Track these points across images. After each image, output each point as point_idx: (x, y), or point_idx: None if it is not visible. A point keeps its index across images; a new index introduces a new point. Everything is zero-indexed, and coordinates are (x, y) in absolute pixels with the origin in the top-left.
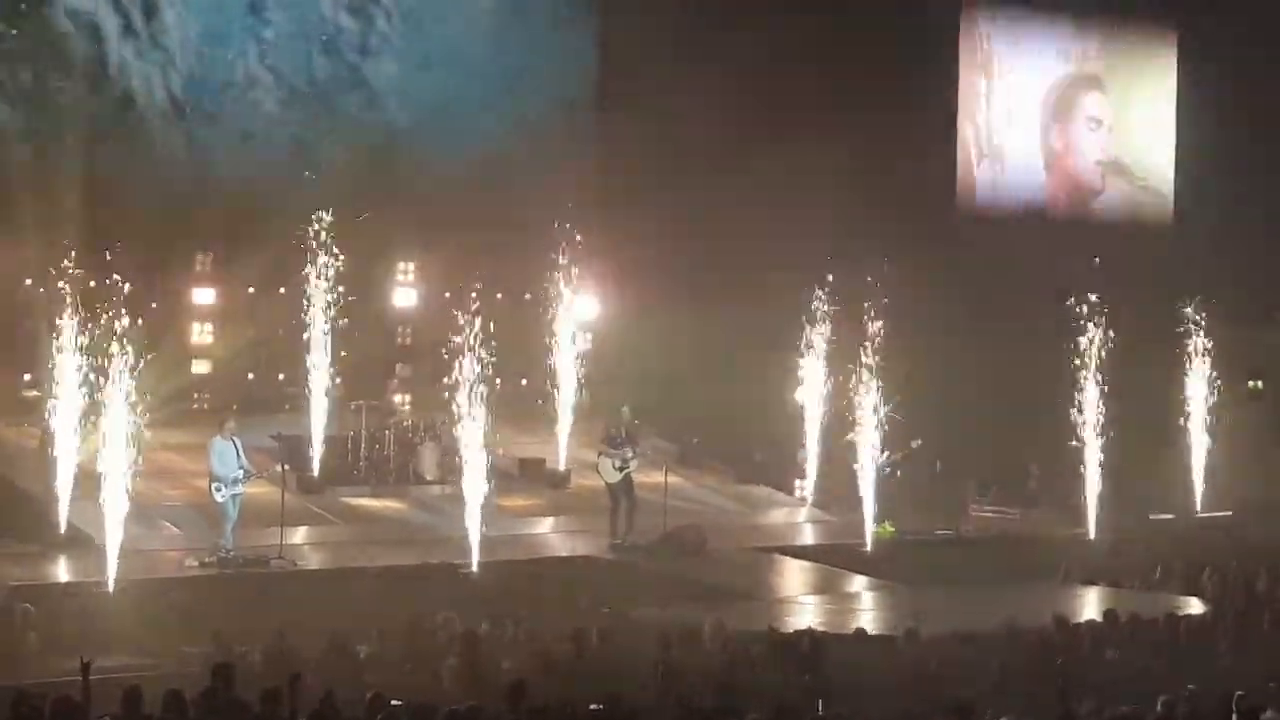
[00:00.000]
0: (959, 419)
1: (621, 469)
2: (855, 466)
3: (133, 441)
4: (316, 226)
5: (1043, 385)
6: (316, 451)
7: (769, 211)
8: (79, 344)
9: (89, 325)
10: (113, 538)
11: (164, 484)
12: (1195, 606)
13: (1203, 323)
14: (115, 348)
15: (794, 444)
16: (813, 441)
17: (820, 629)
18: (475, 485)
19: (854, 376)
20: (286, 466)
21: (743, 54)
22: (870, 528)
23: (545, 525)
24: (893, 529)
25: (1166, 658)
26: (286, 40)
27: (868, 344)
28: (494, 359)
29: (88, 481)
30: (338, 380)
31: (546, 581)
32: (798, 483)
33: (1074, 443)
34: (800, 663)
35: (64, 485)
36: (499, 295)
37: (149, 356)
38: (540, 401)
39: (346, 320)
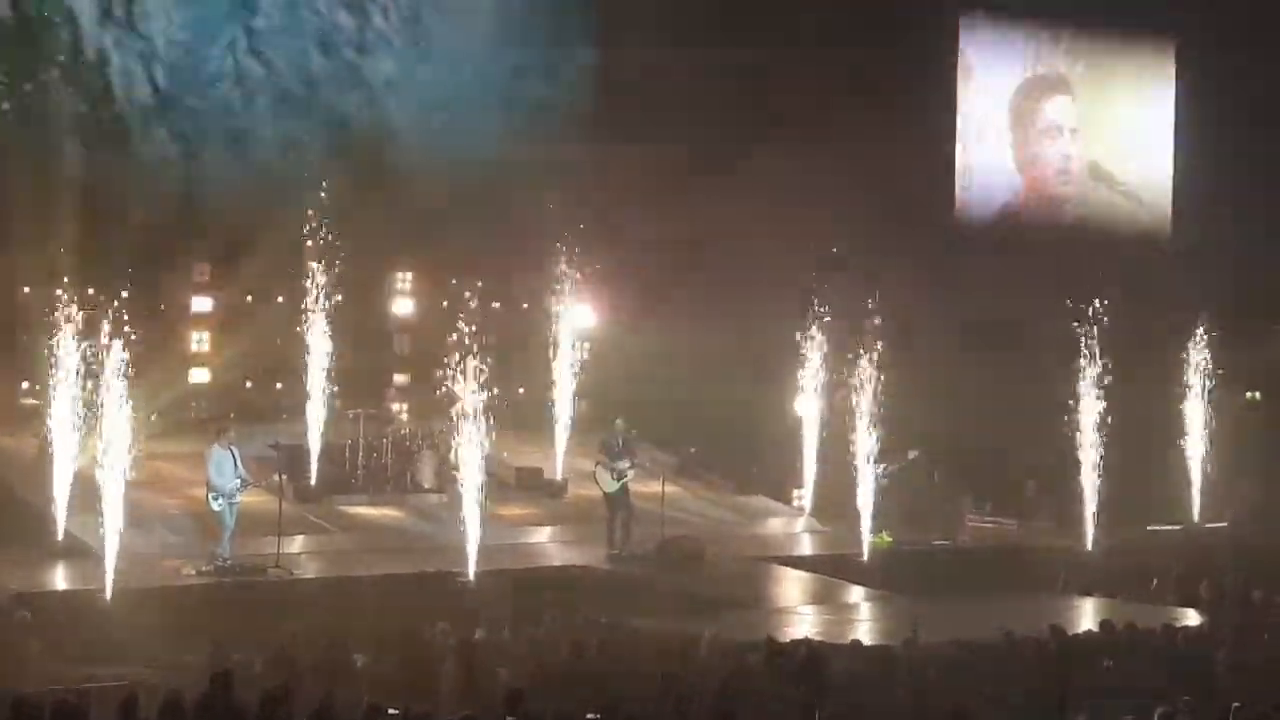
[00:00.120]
0: (956, 429)
1: (619, 479)
2: (853, 476)
3: (131, 450)
4: (315, 234)
5: (1040, 395)
6: (314, 460)
7: (767, 222)
8: (77, 352)
9: (87, 334)
10: (111, 546)
11: (162, 492)
12: (1192, 617)
13: (1200, 333)
14: (112, 356)
15: (792, 454)
16: (810, 452)
17: (818, 639)
18: (472, 494)
19: (851, 386)
20: (284, 475)
21: (741, 64)
22: (867, 538)
23: (542, 535)
24: (890, 539)
25: (1163, 668)
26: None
27: (864, 354)
28: (491, 368)
29: (86, 490)
30: (335, 389)
31: (544, 591)
32: (795, 493)
33: (1071, 453)
34: (797, 673)
35: (62, 493)
36: (496, 304)
37: (146, 367)
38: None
39: (344, 329)
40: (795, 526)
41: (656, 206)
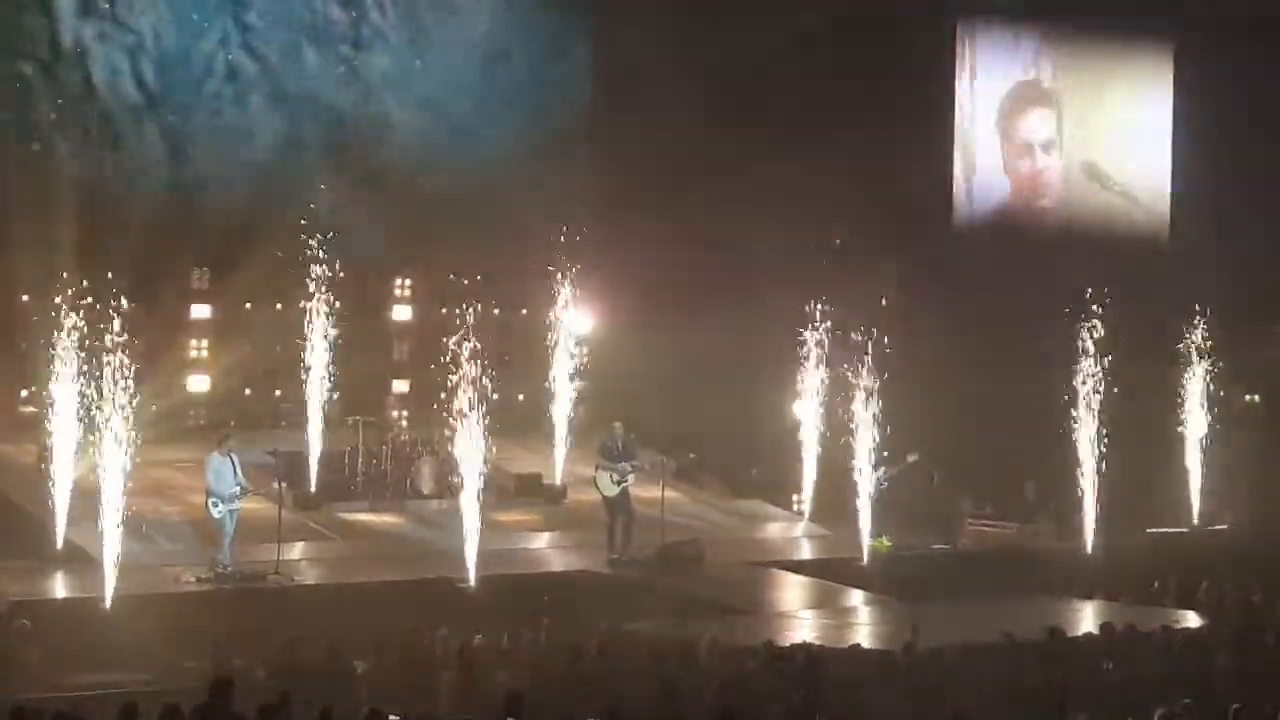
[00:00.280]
0: (956, 432)
1: (619, 483)
2: (853, 480)
3: (130, 458)
4: (313, 241)
5: (1039, 398)
6: (314, 467)
7: (766, 225)
8: (76, 360)
9: (86, 341)
10: (110, 553)
11: (161, 500)
12: (1192, 620)
13: (1199, 336)
14: (112, 364)
15: (791, 458)
16: (810, 455)
17: (817, 643)
18: (472, 500)
19: (851, 390)
20: (283, 482)
21: (740, 66)
22: (867, 542)
23: (542, 540)
24: (889, 543)
25: (1164, 671)
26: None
27: (865, 357)
28: (490, 373)
29: (85, 497)
30: (335, 396)
31: (543, 596)
32: (795, 497)
33: (1071, 455)
34: (797, 677)
35: (61, 501)
36: (495, 310)
37: (145, 374)
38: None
39: (343, 336)
40: (795, 530)
41: (656, 207)
